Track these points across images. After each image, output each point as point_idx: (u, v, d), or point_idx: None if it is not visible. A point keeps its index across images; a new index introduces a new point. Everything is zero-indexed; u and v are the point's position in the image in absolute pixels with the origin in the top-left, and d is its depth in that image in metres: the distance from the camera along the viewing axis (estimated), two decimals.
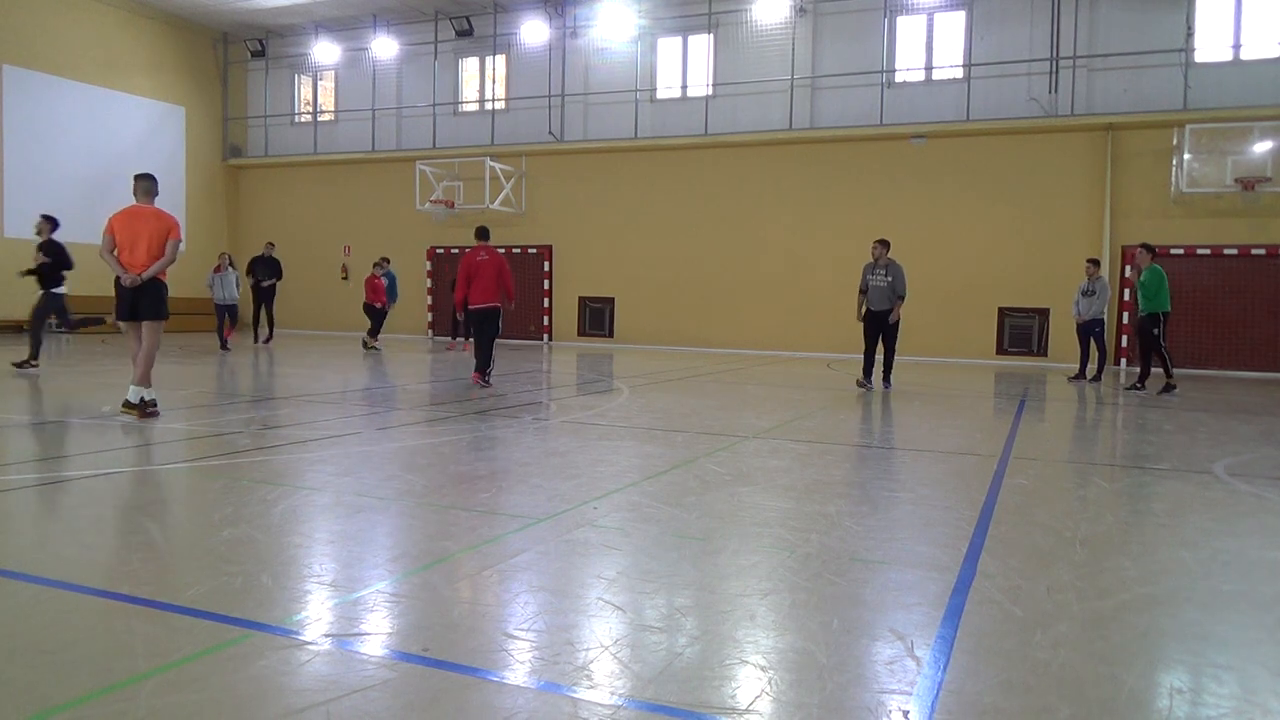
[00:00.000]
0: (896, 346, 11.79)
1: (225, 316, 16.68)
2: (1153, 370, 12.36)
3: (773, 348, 19.24)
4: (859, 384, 11.62)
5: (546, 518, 4.37)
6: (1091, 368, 13.86)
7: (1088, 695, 2.51)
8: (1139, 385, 12.20)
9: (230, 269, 16.93)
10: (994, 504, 4.93)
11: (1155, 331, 11.85)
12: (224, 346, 16.15)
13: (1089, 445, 8.07)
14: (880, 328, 11.58)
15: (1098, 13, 17.14)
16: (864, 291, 11.56)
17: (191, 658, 2.60)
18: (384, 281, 17.38)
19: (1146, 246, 12.16)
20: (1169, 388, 11.79)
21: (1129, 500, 5.31)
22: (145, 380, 7.45)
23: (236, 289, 16.92)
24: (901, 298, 11.45)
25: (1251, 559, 4.02)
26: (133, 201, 7.67)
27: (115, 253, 7.54)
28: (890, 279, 11.45)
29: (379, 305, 17.29)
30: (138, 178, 7.70)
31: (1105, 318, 13.94)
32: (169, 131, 23.33)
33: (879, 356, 11.74)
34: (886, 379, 11.79)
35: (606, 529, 4.18)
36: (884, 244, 11.57)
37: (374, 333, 17.18)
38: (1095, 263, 13.88)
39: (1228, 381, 14.89)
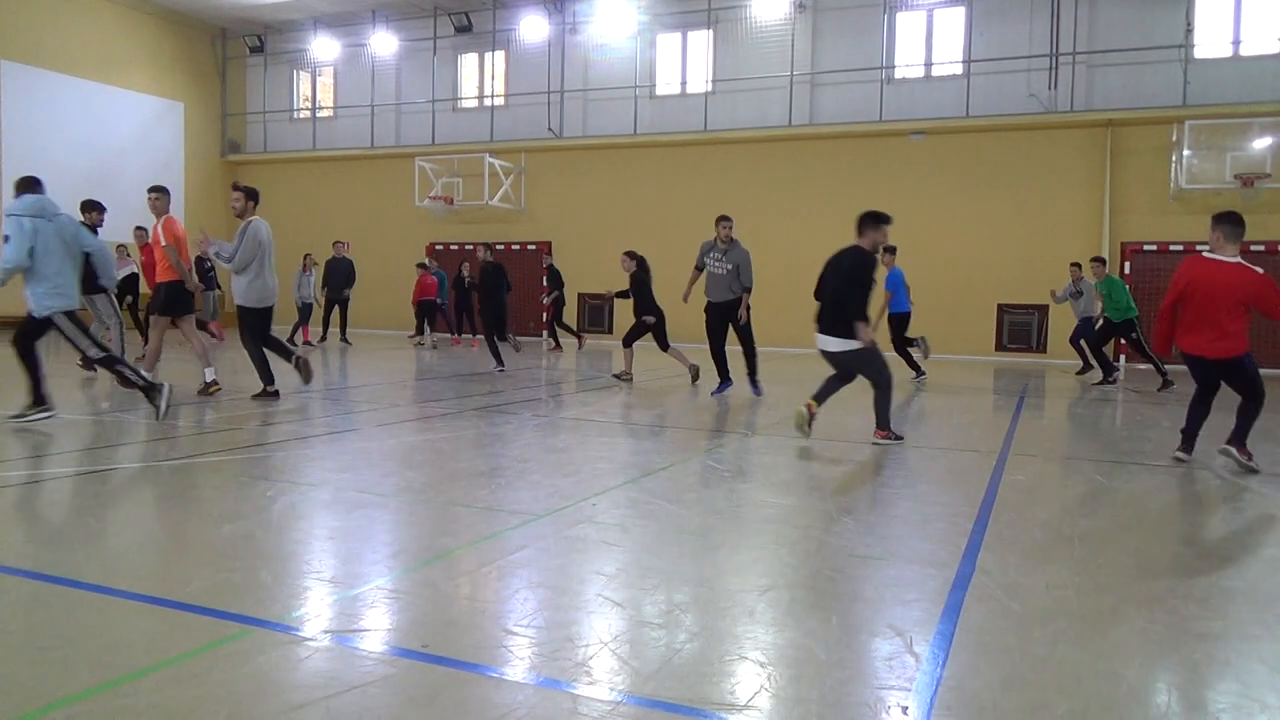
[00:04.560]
0: (754, 343, 9.96)
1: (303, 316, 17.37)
2: (1149, 366, 12.63)
3: (771, 344, 19.17)
4: (714, 393, 9.68)
5: (546, 514, 4.37)
6: (1095, 371, 13.78)
7: (1086, 691, 2.51)
8: (1164, 383, 12.27)
9: (311, 270, 17.56)
10: (993, 500, 4.93)
11: (1134, 335, 12.56)
12: (308, 343, 17.09)
13: (1088, 441, 8.07)
14: (725, 321, 9.70)
15: (1097, 9, 17.12)
16: (700, 269, 9.87)
17: (191, 653, 2.60)
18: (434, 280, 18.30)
19: (1099, 260, 12.99)
20: (1102, 380, 12.64)
21: (1127, 496, 5.31)
22: (205, 362, 8.85)
23: (308, 290, 17.53)
24: (747, 289, 9.65)
25: (1250, 554, 4.03)
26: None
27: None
28: (733, 267, 9.58)
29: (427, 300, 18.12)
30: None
31: (1093, 317, 13.75)
32: (168, 127, 23.30)
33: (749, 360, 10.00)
34: (754, 382, 9.78)
35: (606, 525, 4.18)
36: (730, 222, 9.82)
37: (420, 330, 18.15)
38: (1078, 265, 13.94)
39: None
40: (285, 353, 8.72)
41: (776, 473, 5.67)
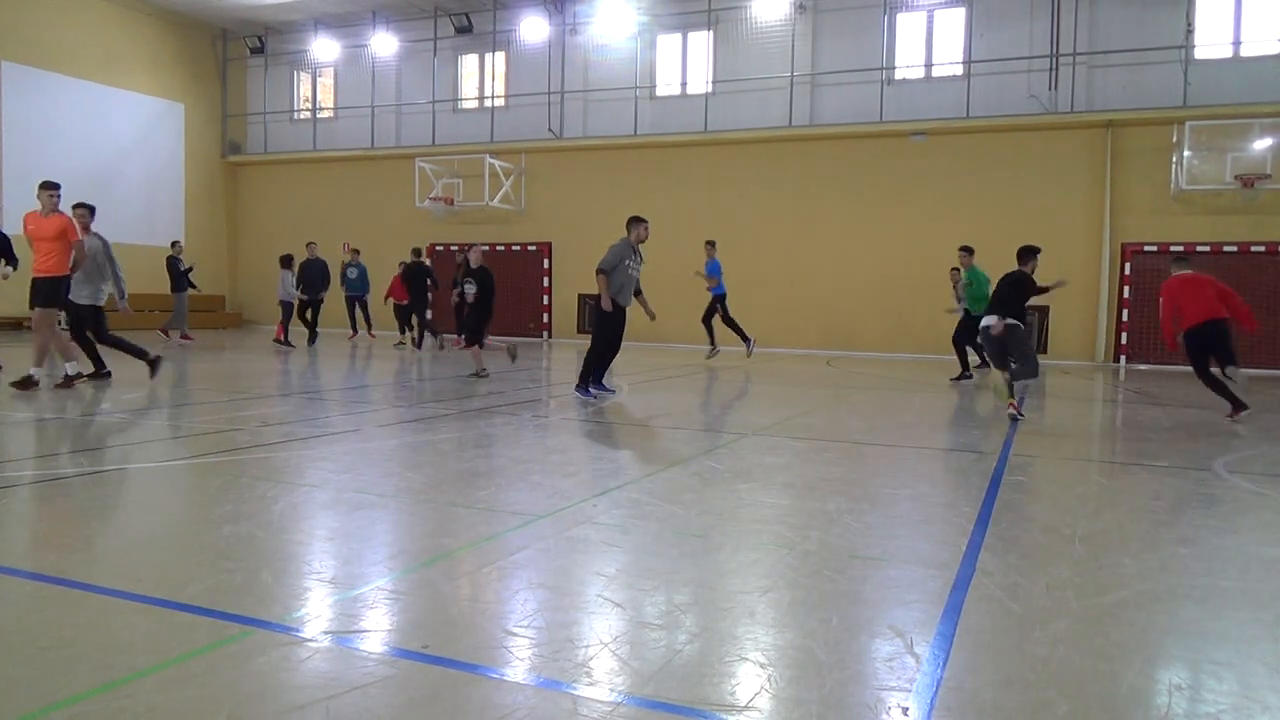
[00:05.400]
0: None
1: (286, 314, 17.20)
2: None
3: (771, 344, 19.23)
4: (593, 395, 9.30)
5: (546, 515, 4.37)
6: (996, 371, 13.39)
7: (1087, 692, 2.51)
8: (966, 375, 12.59)
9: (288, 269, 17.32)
10: (993, 501, 4.93)
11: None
12: (285, 342, 16.78)
13: (1089, 442, 8.07)
14: (623, 325, 9.51)
15: (1098, 9, 17.13)
16: (605, 272, 9.19)
17: (191, 654, 2.60)
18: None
19: (966, 249, 12.98)
20: (964, 376, 12.63)
21: (1128, 497, 5.31)
22: (38, 360, 8.94)
23: (291, 289, 17.27)
24: (639, 292, 9.81)
25: (1250, 556, 4.02)
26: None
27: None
28: (640, 267, 9.60)
29: (404, 303, 17.76)
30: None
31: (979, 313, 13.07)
32: (168, 128, 23.31)
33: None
34: (604, 381, 9.65)
35: (606, 526, 4.18)
36: (648, 223, 9.76)
37: (403, 330, 18.01)
38: (958, 270, 13.55)
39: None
40: (96, 355, 9.65)
41: (776, 473, 5.67)
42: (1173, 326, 8.83)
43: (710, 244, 15.31)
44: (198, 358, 13.86)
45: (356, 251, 18.75)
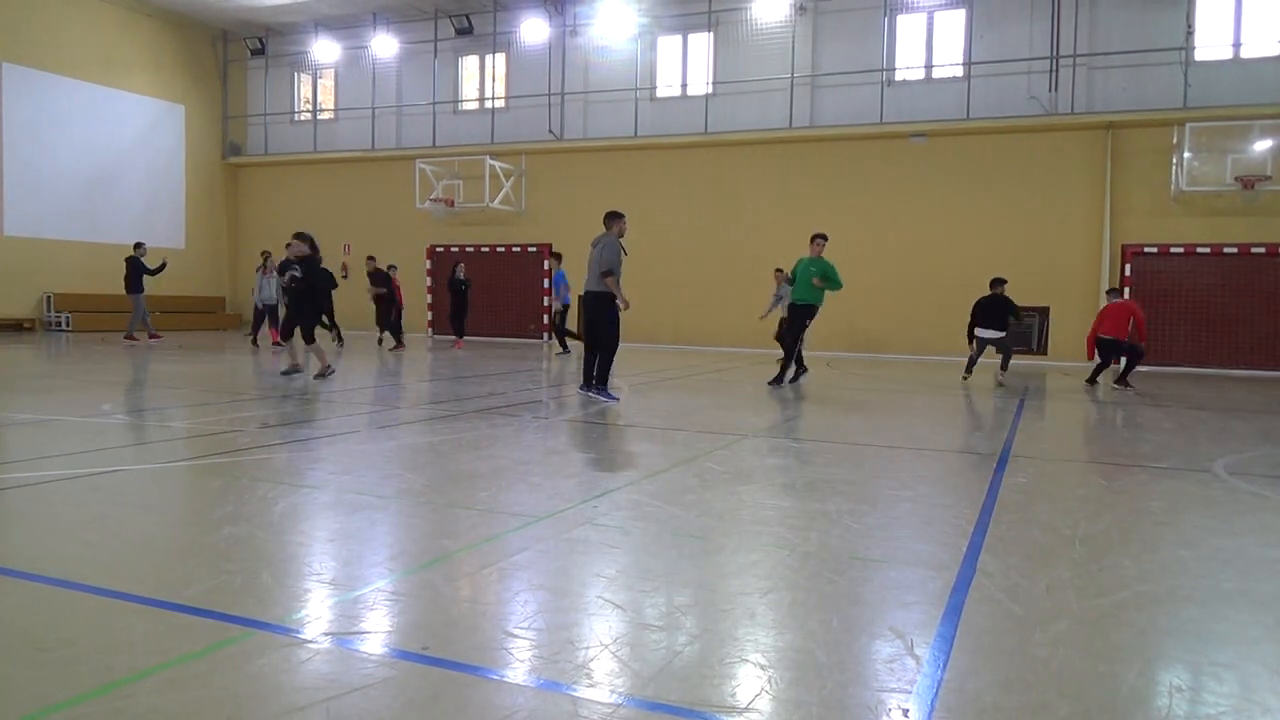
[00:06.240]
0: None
1: (266, 317, 16.81)
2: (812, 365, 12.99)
3: (772, 346, 19.21)
4: (616, 397, 9.37)
5: (546, 516, 4.37)
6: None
7: (1087, 693, 2.51)
8: (780, 380, 11.65)
9: (273, 271, 16.94)
10: (994, 502, 4.93)
11: (807, 322, 11.53)
12: (260, 343, 16.62)
13: (1089, 444, 8.07)
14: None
15: (1098, 11, 17.13)
16: (614, 271, 9.29)
17: (191, 656, 2.60)
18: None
19: (821, 235, 11.71)
20: (795, 377, 11.78)
21: (1128, 499, 5.31)
22: None
23: (274, 291, 16.93)
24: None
25: (1251, 557, 4.02)
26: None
27: None
28: None
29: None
30: None
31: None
32: (168, 130, 23.32)
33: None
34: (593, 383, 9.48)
35: (606, 527, 4.18)
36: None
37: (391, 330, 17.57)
38: (781, 270, 14.09)
39: (1227, 380, 14.90)
40: None
41: (776, 475, 5.67)
42: (1093, 337, 12.48)
43: (557, 256, 17.31)
44: (198, 359, 13.87)
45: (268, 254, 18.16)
